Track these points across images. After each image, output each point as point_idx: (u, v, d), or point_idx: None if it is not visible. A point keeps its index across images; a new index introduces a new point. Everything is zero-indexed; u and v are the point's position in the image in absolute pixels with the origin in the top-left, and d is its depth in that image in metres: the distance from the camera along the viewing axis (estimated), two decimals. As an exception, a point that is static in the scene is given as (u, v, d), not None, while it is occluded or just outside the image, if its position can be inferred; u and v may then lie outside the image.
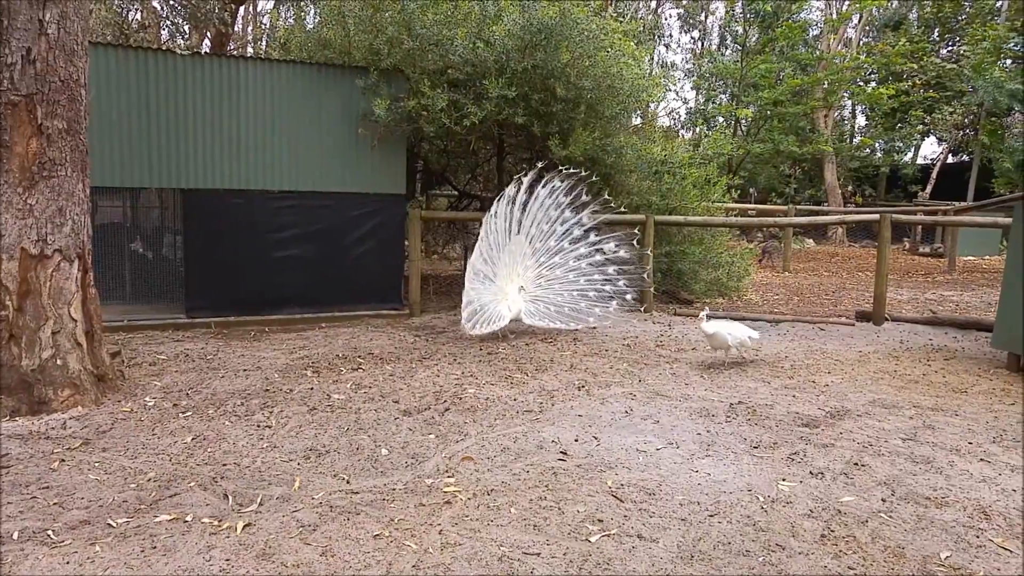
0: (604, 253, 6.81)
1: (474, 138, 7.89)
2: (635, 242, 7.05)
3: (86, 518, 2.92)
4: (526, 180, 6.68)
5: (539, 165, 6.80)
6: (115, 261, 6.95)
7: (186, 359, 5.56)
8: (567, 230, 6.75)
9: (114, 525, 2.87)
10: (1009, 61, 18.49)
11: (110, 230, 7.23)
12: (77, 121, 4.37)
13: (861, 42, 22.40)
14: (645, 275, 7.22)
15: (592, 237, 6.80)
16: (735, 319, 7.86)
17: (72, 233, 4.34)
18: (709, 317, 5.76)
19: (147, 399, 4.49)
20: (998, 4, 20.32)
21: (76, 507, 3.01)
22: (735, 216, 12.85)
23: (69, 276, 4.32)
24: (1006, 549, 2.86)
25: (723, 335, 5.56)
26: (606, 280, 6.76)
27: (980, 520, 3.10)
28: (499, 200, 6.68)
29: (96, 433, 3.89)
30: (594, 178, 6.86)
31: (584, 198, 6.79)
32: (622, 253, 6.85)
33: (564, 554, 2.72)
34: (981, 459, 3.80)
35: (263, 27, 19.20)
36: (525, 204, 6.63)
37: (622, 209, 7.12)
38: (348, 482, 3.34)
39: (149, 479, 3.31)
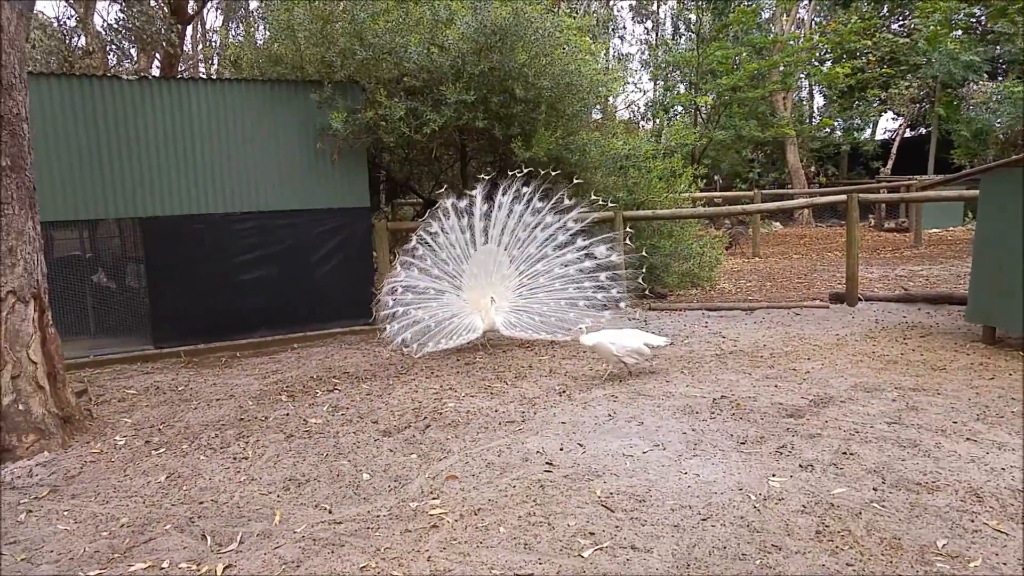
0: (595, 258, 6.28)
1: (435, 145, 7.78)
2: (628, 240, 6.68)
3: (56, 573, 2.79)
4: (478, 194, 6.39)
5: (486, 178, 6.50)
6: (77, 295, 6.71)
7: (156, 392, 5.38)
8: (550, 236, 6.33)
9: (85, 581, 2.74)
10: (960, 32, 18.76)
11: (69, 263, 6.97)
12: (21, 157, 4.22)
13: (813, 22, 22.73)
14: (637, 275, 6.80)
15: (580, 242, 6.32)
16: (710, 309, 7.91)
17: (25, 273, 4.22)
18: (589, 329, 5.30)
19: (117, 438, 4.34)
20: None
21: (46, 561, 2.89)
22: (702, 205, 12.91)
23: (25, 318, 4.20)
24: (1002, 532, 2.79)
25: (605, 346, 4.99)
26: (598, 287, 6.23)
27: (973, 503, 3.03)
28: (441, 215, 6.37)
29: (64, 479, 3.73)
30: (553, 174, 6.54)
31: (567, 202, 6.41)
32: (614, 258, 6.30)
33: (557, 572, 2.65)
34: (967, 438, 3.75)
35: (212, 45, 18.75)
36: (487, 213, 6.33)
37: (593, 200, 6.87)
38: (330, 512, 3.23)
39: (122, 525, 3.18)
